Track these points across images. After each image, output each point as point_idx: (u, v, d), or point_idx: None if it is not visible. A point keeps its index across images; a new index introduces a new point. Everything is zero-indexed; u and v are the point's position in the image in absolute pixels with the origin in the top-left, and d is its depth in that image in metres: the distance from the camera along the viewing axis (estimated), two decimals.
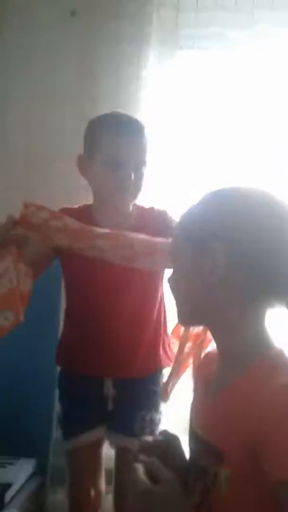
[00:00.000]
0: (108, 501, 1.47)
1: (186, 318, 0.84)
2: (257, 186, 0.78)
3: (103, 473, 1.42)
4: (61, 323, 1.54)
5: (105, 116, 1.36)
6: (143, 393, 1.35)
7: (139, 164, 1.29)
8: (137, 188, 1.31)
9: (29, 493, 1.42)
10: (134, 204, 1.37)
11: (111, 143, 1.27)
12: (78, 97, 1.71)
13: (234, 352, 0.77)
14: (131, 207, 1.36)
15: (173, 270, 0.83)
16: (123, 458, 1.34)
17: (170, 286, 0.83)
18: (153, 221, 1.33)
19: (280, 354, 0.74)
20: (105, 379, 1.34)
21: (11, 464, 1.47)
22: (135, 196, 1.33)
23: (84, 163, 1.35)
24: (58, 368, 1.45)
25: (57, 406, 1.46)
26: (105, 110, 1.65)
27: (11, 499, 1.33)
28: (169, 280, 0.83)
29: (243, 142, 1.71)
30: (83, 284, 1.34)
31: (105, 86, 1.71)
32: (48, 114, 1.73)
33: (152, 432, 1.32)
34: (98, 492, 1.39)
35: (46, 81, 1.74)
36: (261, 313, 0.76)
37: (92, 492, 1.37)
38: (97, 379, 1.35)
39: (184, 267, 0.78)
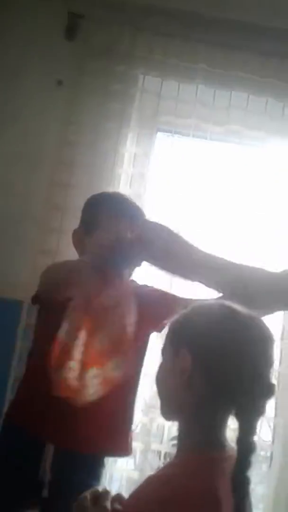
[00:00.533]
0: None
1: (165, 413, 0.91)
2: (229, 305, 0.86)
3: None
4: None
5: (104, 196, 1.39)
6: (85, 488, 1.26)
7: None
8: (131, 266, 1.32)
9: None
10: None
11: (111, 226, 1.29)
12: (54, 163, 1.75)
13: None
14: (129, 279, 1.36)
15: (159, 368, 0.91)
16: None
17: (156, 383, 0.91)
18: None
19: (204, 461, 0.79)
20: (47, 446, 1.23)
21: None
22: (131, 270, 1.34)
23: (79, 238, 1.36)
24: None
25: None
26: (80, 180, 1.73)
27: None
28: (156, 377, 0.91)
29: (219, 223, 1.80)
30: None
31: (82, 156, 1.76)
32: (20, 177, 1.76)
33: None
34: None
35: (24, 144, 1.77)
36: (219, 418, 0.83)
37: None
38: (39, 445, 1.23)
39: (165, 366, 0.89)
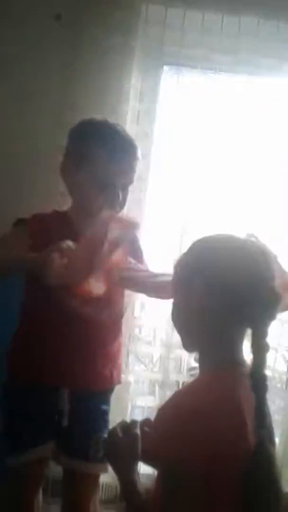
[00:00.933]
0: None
1: (186, 345, 0.98)
2: (228, 232, 0.94)
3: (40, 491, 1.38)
4: None
5: (97, 127, 1.30)
6: (98, 413, 1.34)
7: (126, 184, 1.30)
8: (122, 205, 1.32)
9: None
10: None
11: (102, 164, 1.24)
12: (58, 105, 1.69)
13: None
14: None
15: (173, 307, 0.97)
16: (72, 479, 1.33)
17: (173, 321, 0.97)
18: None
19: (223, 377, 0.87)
20: (61, 390, 1.30)
21: None
22: (119, 211, 1.32)
23: (68, 170, 1.31)
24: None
25: None
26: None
27: None
28: (172, 316, 0.97)
29: (225, 158, 1.75)
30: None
31: (86, 96, 1.69)
32: (26, 121, 1.71)
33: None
34: (37, 507, 1.36)
35: (27, 87, 1.71)
36: (237, 336, 0.91)
37: (32, 506, 1.34)
38: (52, 390, 1.29)
39: (180, 302, 0.95)
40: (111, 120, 1.54)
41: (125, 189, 1.30)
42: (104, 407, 1.35)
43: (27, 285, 1.32)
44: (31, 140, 1.69)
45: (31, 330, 1.32)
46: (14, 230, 1.32)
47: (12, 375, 1.34)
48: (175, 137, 1.74)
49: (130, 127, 1.64)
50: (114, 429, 0.99)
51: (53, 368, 1.28)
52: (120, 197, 1.28)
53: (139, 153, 1.32)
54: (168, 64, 1.77)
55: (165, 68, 1.77)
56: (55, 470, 1.43)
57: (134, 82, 1.70)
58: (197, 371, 0.96)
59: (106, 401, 1.37)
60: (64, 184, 1.36)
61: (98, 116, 1.37)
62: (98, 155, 1.25)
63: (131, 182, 1.31)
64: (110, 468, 1.28)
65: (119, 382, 1.41)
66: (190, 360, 1.73)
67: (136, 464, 0.97)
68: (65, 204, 1.48)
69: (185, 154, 1.72)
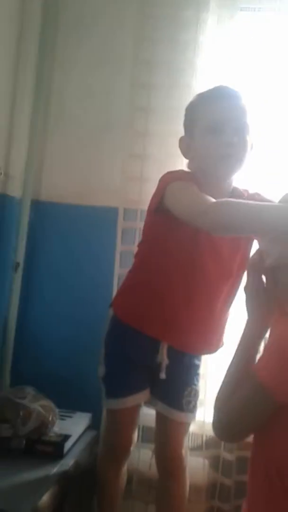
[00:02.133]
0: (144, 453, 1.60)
1: None
2: None
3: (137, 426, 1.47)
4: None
5: (203, 91, 1.34)
6: (192, 367, 1.39)
7: (241, 128, 1.25)
8: (240, 156, 1.26)
9: (85, 444, 1.53)
10: (234, 187, 1.34)
11: (211, 108, 1.25)
12: (134, 63, 1.71)
13: None
14: (232, 186, 1.32)
15: None
16: (165, 425, 1.39)
17: None
18: None
19: None
20: (162, 344, 1.33)
21: (69, 417, 1.59)
22: (239, 165, 1.27)
23: (185, 143, 1.32)
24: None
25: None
26: (161, 76, 1.68)
27: (70, 449, 1.45)
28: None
29: None
30: (185, 243, 1.28)
31: (162, 52, 1.69)
32: (104, 81, 1.76)
33: (195, 405, 1.38)
34: (131, 443, 1.45)
35: (103, 48, 1.75)
36: None
37: (127, 444, 1.43)
38: (154, 342, 1.33)
39: None
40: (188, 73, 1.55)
41: (241, 135, 1.24)
42: (197, 362, 1.40)
43: (157, 241, 1.34)
44: (110, 102, 1.75)
45: (148, 280, 1.34)
46: (190, 183, 1.27)
47: (118, 319, 1.38)
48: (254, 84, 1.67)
49: (206, 82, 1.62)
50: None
51: (159, 323, 1.32)
52: (236, 142, 1.24)
53: (245, 100, 1.29)
54: (244, 10, 1.69)
55: (240, 13, 1.69)
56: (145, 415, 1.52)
57: (209, 33, 1.66)
58: None
59: (199, 357, 1.42)
60: (187, 159, 1.34)
61: None
62: (205, 105, 1.27)
63: (246, 126, 1.26)
64: (197, 418, 1.41)
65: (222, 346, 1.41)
66: None
67: None
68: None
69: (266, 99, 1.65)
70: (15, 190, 1.73)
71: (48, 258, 1.83)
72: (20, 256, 1.77)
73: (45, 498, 1.20)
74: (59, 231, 1.82)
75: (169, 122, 1.61)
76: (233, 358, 1.01)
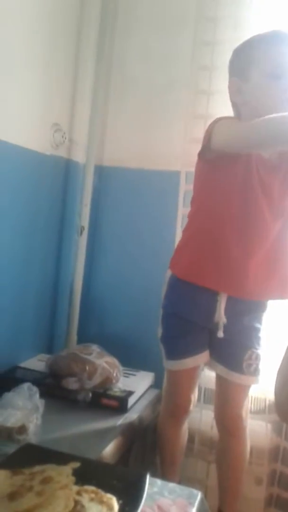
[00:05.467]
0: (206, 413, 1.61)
1: None
2: None
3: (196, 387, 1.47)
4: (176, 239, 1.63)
5: (260, 34, 1.29)
6: (252, 329, 1.36)
7: None
8: None
9: (148, 402, 1.57)
10: None
11: (272, 52, 1.22)
12: (198, 21, 1.66)
13: None
14: None
15: None
16: (225, 386, 1.39)
17: None
18: None
19: None
20: (220, 300, 1.32)
21: (133, 375, 1.64)
22: None
23: (237, 86, 1.29)
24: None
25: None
26: (225, 34, 1.63)
27: (133, 404, 1.49)
28: None
29: None
30: (236, 184, 1.27)
31: (224, 9, 1.63)
32: (166, 41, 1.73)
33: (257, 369, 1.35)
34: (190, 403, 1.46)
35: (164, 8, 1.72)
36: None
37: (186, 404, 1.45)
38: (212, 299, 1.32)
39: None
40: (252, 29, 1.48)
41: None
42: (258, 325, 1.37)
43: (213, 192, 1.33)
44: (172, 61, 1.72)
45: (202, 229, 1.34)
46: (236, 120, 1.31)
47: (175, 278, 1.38)
48: None
49: None
50: None
51: (215, 272, 1.30)
52: None
53: None
54: None
55: None
56: (207, 377, 1.53)
57: None
58: None
59: (260, 320, 1.38)
60: (236, 102, 1.32)
61: None
62: (265, 50, 1.23)
63: None
64: (260, 382, 1.38)
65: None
66: None
67: None
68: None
69: None
70: (79, 155, 1.77)
71: (111, 222, 1.86)
72: (85, 220, 1.81)
73: (111, 446, 1.25)
74: (122, 195, 1.85)
75: None
76: None
